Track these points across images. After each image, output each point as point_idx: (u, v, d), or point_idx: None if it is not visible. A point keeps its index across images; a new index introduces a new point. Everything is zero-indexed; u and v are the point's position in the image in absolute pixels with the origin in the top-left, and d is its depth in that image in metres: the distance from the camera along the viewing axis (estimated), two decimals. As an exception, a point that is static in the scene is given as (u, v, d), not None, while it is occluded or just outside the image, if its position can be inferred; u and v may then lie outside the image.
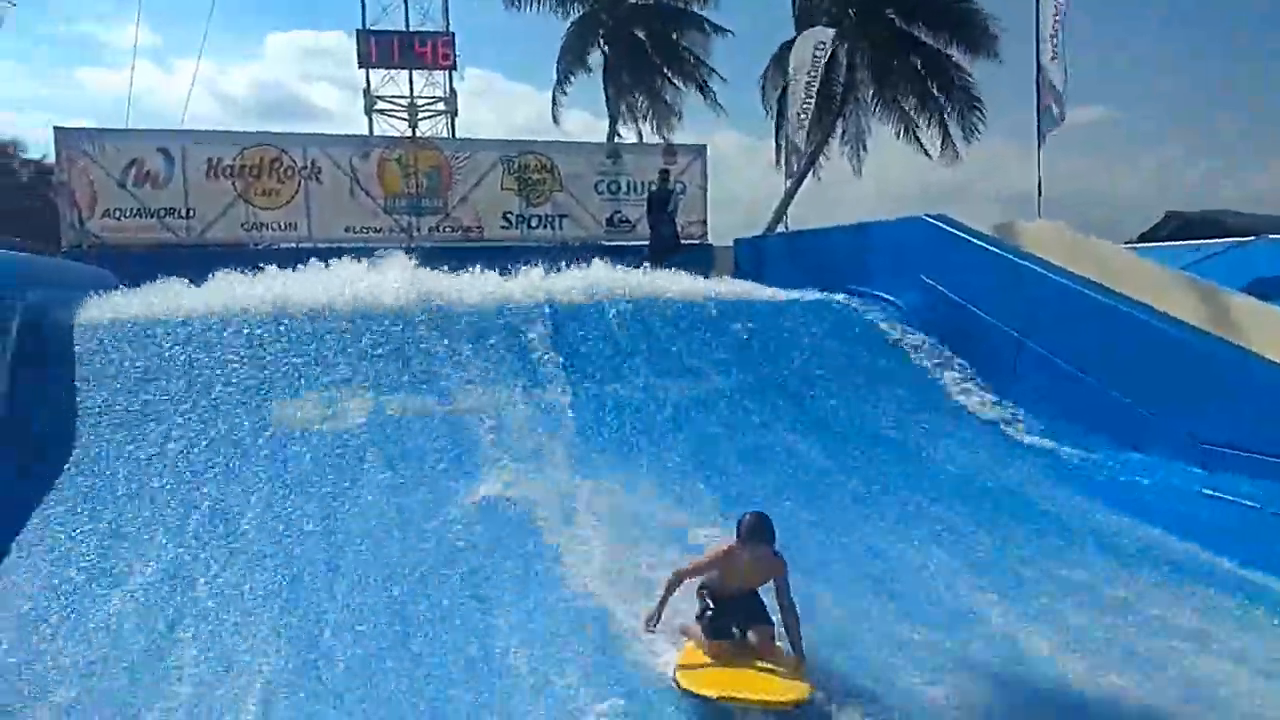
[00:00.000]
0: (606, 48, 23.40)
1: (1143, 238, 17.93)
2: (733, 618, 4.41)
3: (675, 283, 10.37)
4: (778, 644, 4.38)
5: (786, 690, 4.03)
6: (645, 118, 24.31)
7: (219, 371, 7.62)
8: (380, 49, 18.61)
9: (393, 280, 9.21)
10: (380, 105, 19.60)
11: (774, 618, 4.47)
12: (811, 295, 10.82)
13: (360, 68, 19.01)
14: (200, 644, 4.74)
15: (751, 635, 4.37)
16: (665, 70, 23.77)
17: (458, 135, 19.24)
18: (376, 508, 6.23)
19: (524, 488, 6.52)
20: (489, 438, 7.24)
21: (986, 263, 9.71)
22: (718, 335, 9.38)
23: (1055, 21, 12.45)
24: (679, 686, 4.12)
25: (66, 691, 4.37)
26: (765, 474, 7.20)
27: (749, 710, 3.98)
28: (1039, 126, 12.77)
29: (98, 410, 7.05)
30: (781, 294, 10.78)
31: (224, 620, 4.97)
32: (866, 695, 4.28)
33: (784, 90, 19.68)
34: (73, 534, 5.77)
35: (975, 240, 10.01)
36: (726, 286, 10.97)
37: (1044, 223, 10.72)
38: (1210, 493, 6.84)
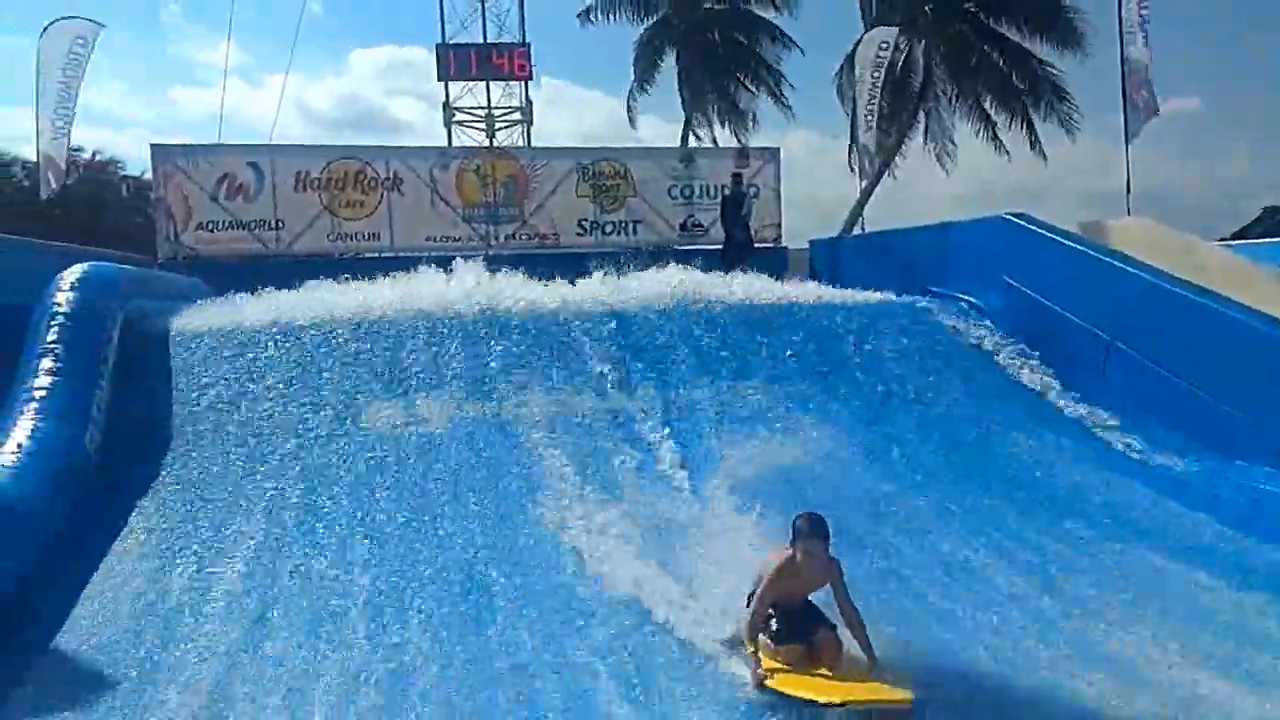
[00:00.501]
0: (680, 52, 23.49)
1: (1237, 235, 17.22)
2: (796, 623, 4.30)
3: (750, 286, 10.32)
4: (842, 648, 4.24)
5: (894, 691, 3.91)
6: (720, 122, 24.35)
7: (310, 378, 7.88)
8: (459, 62, 19.08)
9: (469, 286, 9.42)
10: (459, 117, 20.08)
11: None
12: (889, 297, 10.65)
13: (439, 80, 19.55)
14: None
15: (819, 639, 4.24)
16: (738, 74, 23.75)
17: (533, 144, 19.59)
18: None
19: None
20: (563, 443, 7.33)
21: (1072, 262, 9.42)
22: (792, 339, 9.30)
23: (1142, 9, 12.05)
24: (773, 691, 4.06)
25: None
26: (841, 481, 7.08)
27: (852, 712, 3.87)
28: (1126, 120, 12.39)
29: (195, 415, 7.36)
30: (858, 296, 10.61)
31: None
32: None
33: (855, 92, 19.50)
34: (172, 541, 6.00)
35: (1060, 239, 9.74)
36: (801, 289, 10.84)
37: (1133, 220, 10.40)
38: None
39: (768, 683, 4.10)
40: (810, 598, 4.38)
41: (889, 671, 4.08)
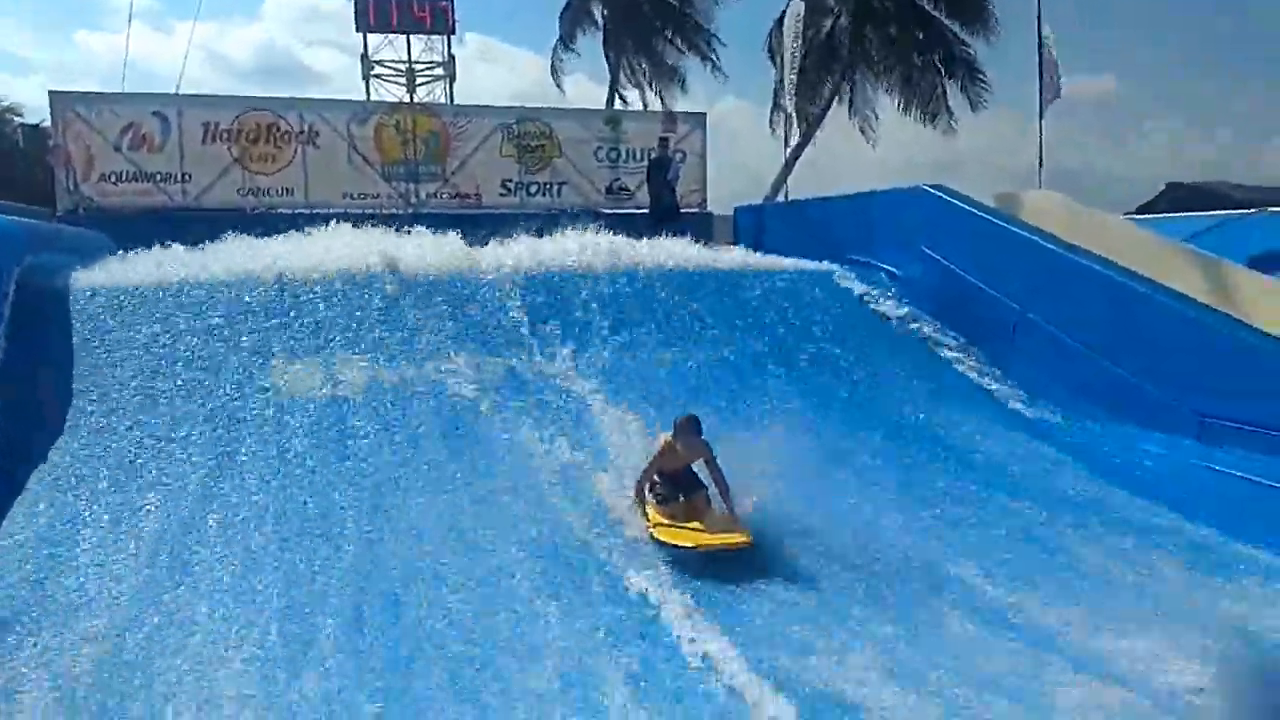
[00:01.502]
0: (606, 9, 23.16)
1: (1141, 209, 17.88)
2: (675, 488, 5.89)
3: (673, 250, 10.33)
4: (710, 506, 5.84)
5: (738, 535, 5.50)
6: (649, 84, 24.15)
7: (215, 338, 7.60)
8: (379, 12, 18.40)
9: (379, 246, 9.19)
10: (378, 70, 19.43)
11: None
12: (810, 265, 10.79)
13: (358, 32, 18.85)
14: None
15: (693, 498, 5.86)
16: (666, 34, 23.53)
17: (456, 101, 19.12)
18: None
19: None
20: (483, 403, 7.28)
21: (986, 233, 9.67)
22: (717, 303, 9.38)
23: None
24: (658, 541, 5.55)
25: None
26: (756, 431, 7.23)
27: (708, 553, 5.35)
28: (1041, 98, 12.70)
29: (93, 376, 7.04)
30: (781, 263, 10.75)
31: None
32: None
33: (782, 60, 19.62)
34: (68, 497, 5.79)
35: (975, 210, 9.97)
36: (726, 255, 10.92)
37: (1045, 193, 10.67)
38: (1212, 467, 6.85)
39: (652, 533, 5.62)
40: (694, 468, 5.93)
41: (740, 523, 5.60)
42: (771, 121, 21.56)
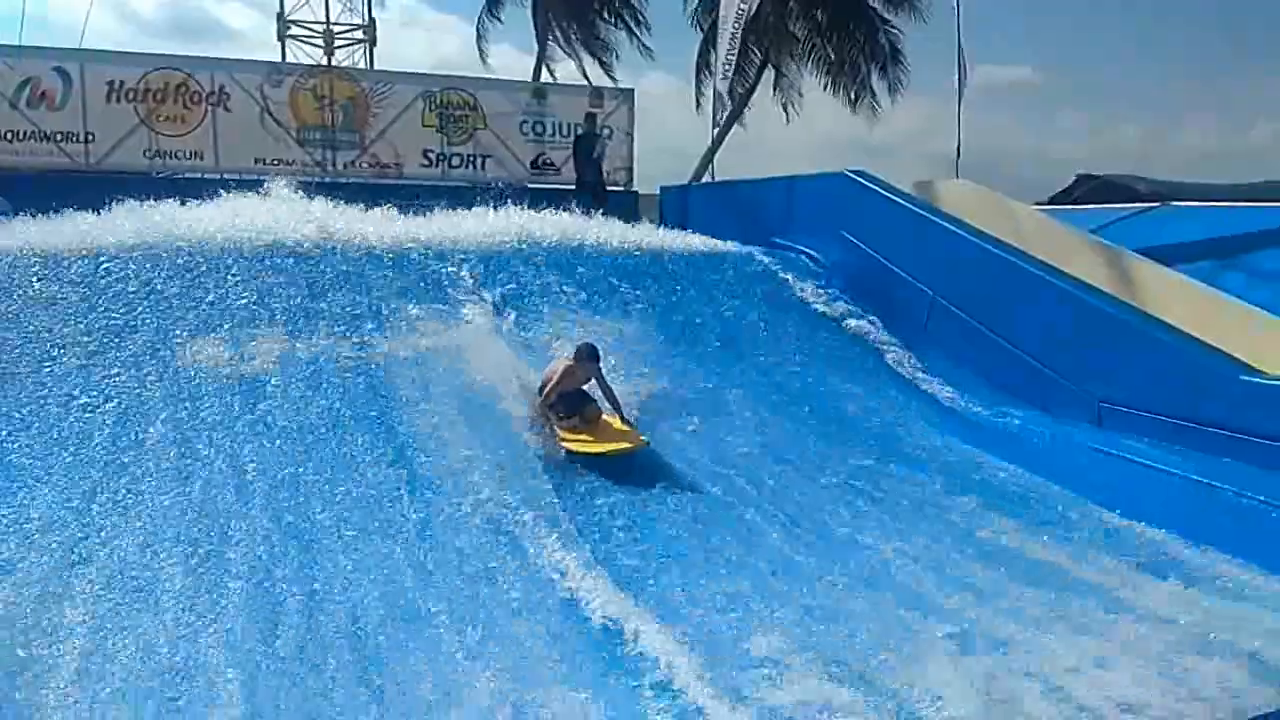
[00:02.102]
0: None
1: (1053, 200, 18.43)
2: (573, 405, 6.69)
3: (596, 229, 10.30)
4: (605, 417, 6.71)
5: (633, 440, 6.40)
6: (575, 56, 23.83)
7: (118, 309, 7.29)
8: (296, -30, 17.83)
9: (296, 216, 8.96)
10: (294, 31, 18.86)
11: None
12: (733, 247, 10.87)
13: (275, -11, 18.24)
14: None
15: (586, 412, 6.68)
16: (594, 4, 23.26)
17: (377, 67, 18.65)
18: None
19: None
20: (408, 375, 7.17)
21: (902, 220, 9.88)
22: (638, 283, 9.38)
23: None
24: (570, 452, 6.34)
25: None
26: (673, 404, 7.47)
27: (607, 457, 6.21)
28: (960, 86, 12.97)
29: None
30: (705, 244, 10.80)
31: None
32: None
33: (707, 36, 19.66)
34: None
35: (893, 197, 10.16)
36: (649, 235, 10.92)
37: (961, 182, 10.94)
38: (1101, 449, 7.16)
39: (561, 443, 6.42)
40: (585, 389, 6.80)
41: (632, 432, 6.48)
42: (698, 99, 21.52)
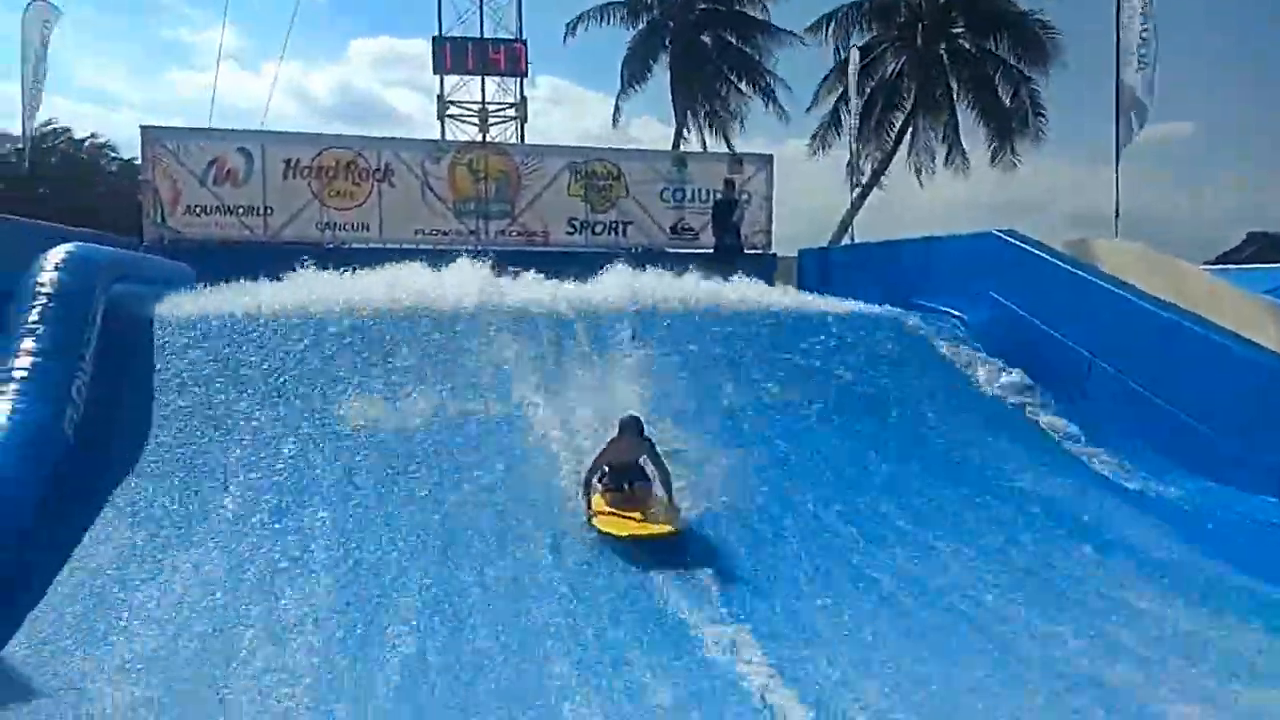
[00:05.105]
0: (672, 55, 23.55)
1: (1221, 259, 17.38)
2: (620, 478, 6.49)
3: (737, 291, 10.34)
4: (655, 493, 6.48)
5: (662, 526, 6.04)
6: (711, 127, 24.41)
7: (293, 368, 7.83)
8: (455, 55, 19.08)
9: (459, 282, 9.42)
10: (453, 110, 20.05)
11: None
12: (875, 309, 10.67)
13: (435, 73, 19.52)
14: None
15: (635, 489, 6.48)
16: (730, 76, 23.84)
17: (527, 141, 19.59)
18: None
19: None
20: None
21: (1058, 280, 9.51)
22: (778, 346, 9.31)
23: (1143, 33, 12.05)
24: (596, 529, 6.12)
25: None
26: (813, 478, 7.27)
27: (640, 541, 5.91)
28: (1118, 142, 12.45)
29: (175, 402, 7.30)
30: (844, 306, 10.64)
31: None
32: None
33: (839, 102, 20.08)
34: (148, 524, 5.98)
35: (1046, 256, 9.82)
36: (789, 297, 10.88)
37: (1119, 241, 10.47)
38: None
39: (592, 521, 6.20)
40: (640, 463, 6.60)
41: (676, 512, 6.27)
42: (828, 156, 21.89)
